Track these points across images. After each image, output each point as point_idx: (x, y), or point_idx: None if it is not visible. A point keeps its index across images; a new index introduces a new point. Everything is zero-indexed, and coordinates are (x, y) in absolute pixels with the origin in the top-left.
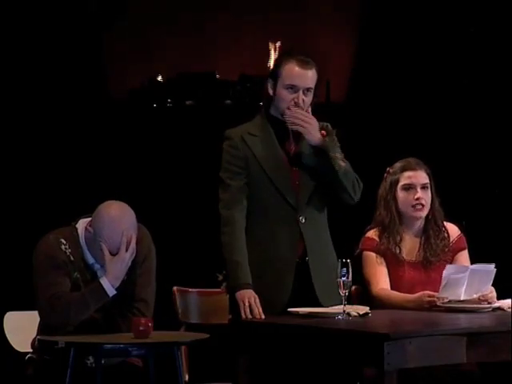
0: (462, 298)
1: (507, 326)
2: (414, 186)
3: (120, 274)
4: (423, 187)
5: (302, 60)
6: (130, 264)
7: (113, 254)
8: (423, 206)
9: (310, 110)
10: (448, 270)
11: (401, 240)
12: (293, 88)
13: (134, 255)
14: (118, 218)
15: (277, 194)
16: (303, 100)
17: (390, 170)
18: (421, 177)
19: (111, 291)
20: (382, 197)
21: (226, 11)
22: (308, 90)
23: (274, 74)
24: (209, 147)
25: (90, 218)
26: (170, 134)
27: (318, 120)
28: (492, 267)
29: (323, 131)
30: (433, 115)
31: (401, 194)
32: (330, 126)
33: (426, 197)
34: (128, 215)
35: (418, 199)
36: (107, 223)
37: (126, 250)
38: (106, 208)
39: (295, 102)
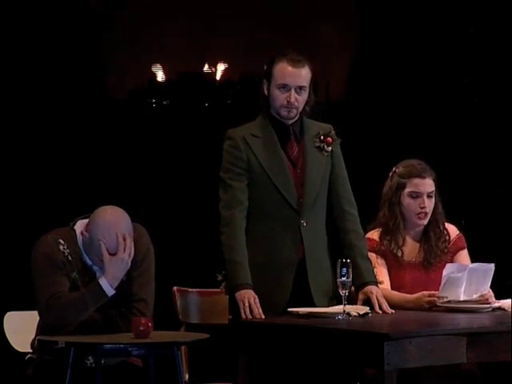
0: (461, 298)
1: (507, 326)
2: (421, 194)
3: (118, 274)
4: (429, 196)
5: (294, 59)
6: (129, 264)
7: (111, 254)
8: (426, 213)
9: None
10: (448, 269)
11: (403, 243)
12: (284, 87)
13: (132, 255)
14: (113, 222)
15: (278, 196)
16: (296, 99)
17: (397, 171)
18: (428, 185)
19: (110, 291)
20: (386, 197)
21: (225, 11)
22: (301, 88)
23: (268, 75)
24: (208, 147)
25: (87, 220)
26: (169, 134)
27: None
28: (491, 265)
29: (329, 138)
30: (433, 114)
31: (406, 201)
32: (333, 130)
33: (430, 205)
34: (122, 218)
35: (422, 208)
36: (102, 227)
37: (124, 251)
38: (100, 213)
39: (288, 101)
